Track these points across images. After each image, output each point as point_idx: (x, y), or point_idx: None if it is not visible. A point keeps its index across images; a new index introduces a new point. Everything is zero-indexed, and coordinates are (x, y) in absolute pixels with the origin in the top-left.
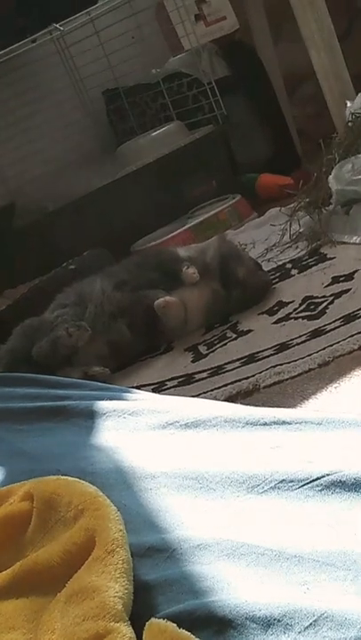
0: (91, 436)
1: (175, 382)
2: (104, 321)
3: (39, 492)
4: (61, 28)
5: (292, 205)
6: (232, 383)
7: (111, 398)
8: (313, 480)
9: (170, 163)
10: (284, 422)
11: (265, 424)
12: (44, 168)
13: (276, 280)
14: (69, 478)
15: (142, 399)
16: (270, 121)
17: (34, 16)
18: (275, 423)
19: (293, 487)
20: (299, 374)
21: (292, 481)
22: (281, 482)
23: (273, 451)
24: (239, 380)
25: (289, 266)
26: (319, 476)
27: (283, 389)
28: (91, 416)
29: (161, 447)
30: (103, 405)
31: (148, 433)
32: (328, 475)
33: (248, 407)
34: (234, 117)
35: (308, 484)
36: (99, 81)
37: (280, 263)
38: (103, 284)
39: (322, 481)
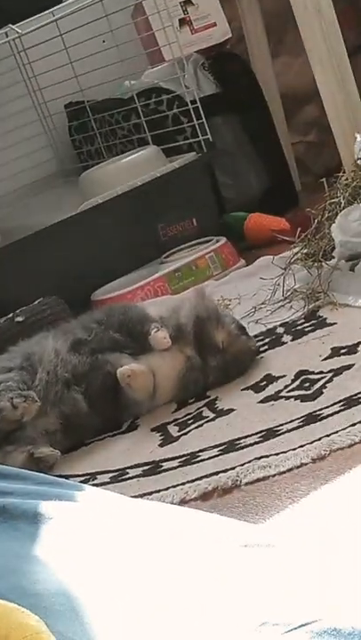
0: (34, 546)
1: (139, 471)
2: (57, 390)
3: None
4: (19, 31)
5: (286, 255)
6: (207, 476)
7: (60, 497)
8: (303, 625)
9: (142, 196)
10: (268, 545)
11: (245, 546)
12: None
13: (265, 347)
14: (7, 605)
15: (99, 501)
16: (264, 149)
17: None
18: (257, 545)
19: (278, 631)
20: (288, 470)
21: (276, 624)
22: (263, 624)
23: (252, 580)
24: (216, 474)
25: (281, 330)
26: (310, 621)
27: (268, 488)
28: (35, 520)
29: (118, 566)
30: (51, 507)
31: (104, 547)
32: (320, 621)
33: (222, 520)
34: (221, 144)
35: (295, 629)
36: (61, 92)
37: (270, 326)
38: (57, 343)
39: (313, 627)
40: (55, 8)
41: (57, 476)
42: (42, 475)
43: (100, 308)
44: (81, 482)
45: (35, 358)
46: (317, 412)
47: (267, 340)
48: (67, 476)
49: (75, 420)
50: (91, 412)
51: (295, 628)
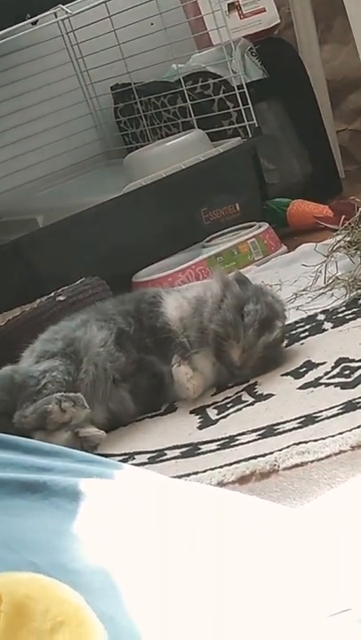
0: (74, 524)
1: (177, 452)
2: (105, 388)
3: (9, 594)
4: (68, 11)
5: (329, 242)
6: (246, 460)
7: (100, 475)
8: (344, 611)
9: (186, 179)
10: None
11: (287, 530)
12: (36, 173)
13: (306, 334)
14: (47, 579)
15: (138, 480)
16: (309, 136)
17: None
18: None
19: (321, 615)
20: (327, 456)
21: (318, 608)
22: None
23: (294, 564)
24: (255, 458)
25: (321, 317)
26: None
27: (306, 473)
28: (75, 497)
29: (157, 545)
30: (91, 485)
31: (142, 526)
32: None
33: (262, 503)
34: (266, 129)
35: (338, 614)
36: (108, 74)
37: (311, 313)
38: (102, 332)
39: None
40: None
41: (95, 454)
42: (82, 452)
43: (130, 295)
44: (119, 461)
45: (79, 345)
46: (357, 400)
47: (307, 327)
48: (105, 456)
49: (122, 417)
50: (137, 410)
51: (337, 614)
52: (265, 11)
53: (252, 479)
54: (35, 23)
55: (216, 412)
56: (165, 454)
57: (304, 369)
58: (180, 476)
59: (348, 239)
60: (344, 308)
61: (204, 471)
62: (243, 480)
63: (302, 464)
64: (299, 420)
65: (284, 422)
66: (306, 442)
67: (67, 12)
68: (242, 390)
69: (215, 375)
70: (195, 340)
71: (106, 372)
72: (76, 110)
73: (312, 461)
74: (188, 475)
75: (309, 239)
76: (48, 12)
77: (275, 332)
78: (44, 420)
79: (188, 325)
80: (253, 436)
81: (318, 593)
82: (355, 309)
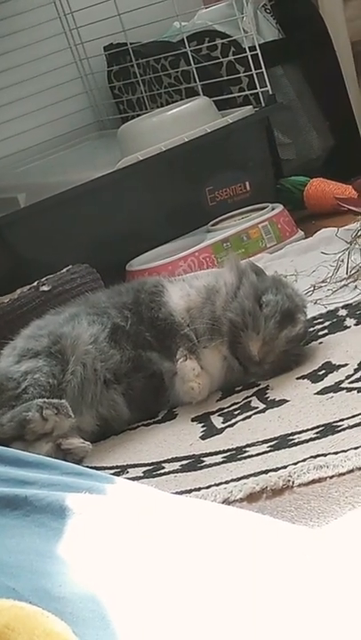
0: (60, 544)
1: (176, 465)
2: (95, 391)
3: None
4: None
5: (352, 227)
6: (255, 475)
7: (89, 489)
8: None
9: (189, 153)
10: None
11: (304, 554)
12: (17, 145)
13: (325, 332)
14: (28, 607)
15: (133, 496)
16: (330, 105)
17: None
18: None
19: None
20: (349, 471)
21: None
22: None
23: (312, 596)
24: (265, 472)
25: (343, 313)
26: None
27: (325, 491)
28: (61, 514)
29: (153, 569)
30: (79, 501)
31: (137, 548)
32: None
33: (275, 523)
34: (281, 97)
35: None
36: (100, 32)
37: (331, 308)
38: (92, 327)
39: None
40: None
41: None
42: (69, 464)
43: (126, 285)
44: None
45: (65, 343)
46: None
47: (327, 324)
48: (94, 469)
49: (114, 424)
50: (131, 415)
51: None
52: None
53: (263, 497)
54: None
55: (222, 419)
56: (163, 467)
57: (323, 371)
58: (180, 493)
59: None
60: None
61: (208, 487)
62: (252, 497)
63: (320, 480)
64: (316, 430)
65: (299, 432)
66: (325, 454)
67: None
68: (251, 395)
69: (225, 374)
70: (204, 331)
71: (96, 372)
72: (63, 73)
73: (331, 477)
74: (190, 491)
75: (330, 223)
76: None
77: (298, 325)
78: (22, 428)
79: (198, 316)
80: (264, 447)
81: (341, 631)
82: None
